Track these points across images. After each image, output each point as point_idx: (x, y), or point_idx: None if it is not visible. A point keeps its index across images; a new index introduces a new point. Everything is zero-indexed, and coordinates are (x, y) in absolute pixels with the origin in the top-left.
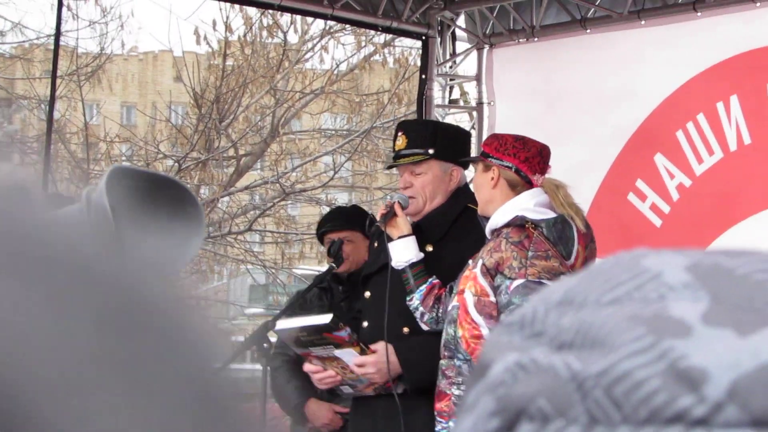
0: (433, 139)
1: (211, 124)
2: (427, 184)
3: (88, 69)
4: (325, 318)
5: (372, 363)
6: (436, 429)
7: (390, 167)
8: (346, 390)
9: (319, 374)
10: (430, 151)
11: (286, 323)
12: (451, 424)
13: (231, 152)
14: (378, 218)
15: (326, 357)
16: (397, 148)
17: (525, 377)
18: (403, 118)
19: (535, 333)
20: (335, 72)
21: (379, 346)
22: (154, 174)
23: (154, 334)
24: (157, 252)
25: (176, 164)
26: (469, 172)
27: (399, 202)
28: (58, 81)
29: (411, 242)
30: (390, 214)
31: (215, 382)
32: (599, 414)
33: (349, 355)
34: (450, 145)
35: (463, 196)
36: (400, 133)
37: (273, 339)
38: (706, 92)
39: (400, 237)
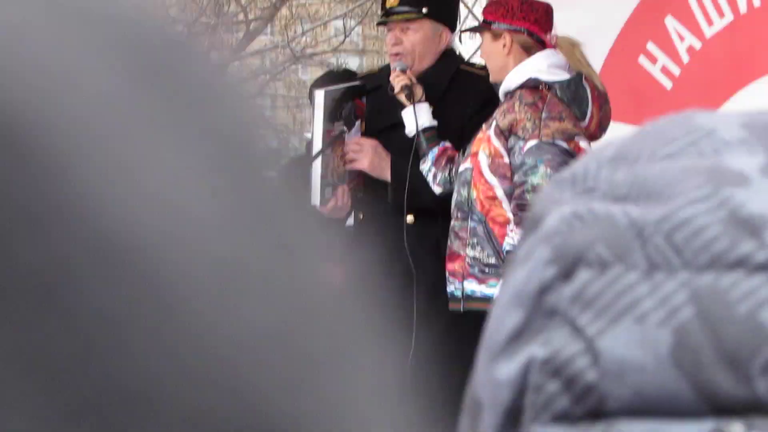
0: None
1: None
2: (417, 43)
3: None
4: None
5: (370, 145)
6: (448, 289)
7: (380, 24)
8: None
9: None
10: (424, 10)
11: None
12: (465, 284)
13: (240, 17)
14: (398, 89)
15: (338, 140)
16: (388, 6)
17: (582, 226)
18: None
19: (588, 188)
20: None
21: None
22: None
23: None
24: None
25: (185, 29)
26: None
27: (411, 69)
28: None
29: (426, 108)
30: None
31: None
32: (659, 260)
33: (356, 132)
34: (442, 5)
35: (452, 58)
36: None
37: None
38: None
39: (418, 102)
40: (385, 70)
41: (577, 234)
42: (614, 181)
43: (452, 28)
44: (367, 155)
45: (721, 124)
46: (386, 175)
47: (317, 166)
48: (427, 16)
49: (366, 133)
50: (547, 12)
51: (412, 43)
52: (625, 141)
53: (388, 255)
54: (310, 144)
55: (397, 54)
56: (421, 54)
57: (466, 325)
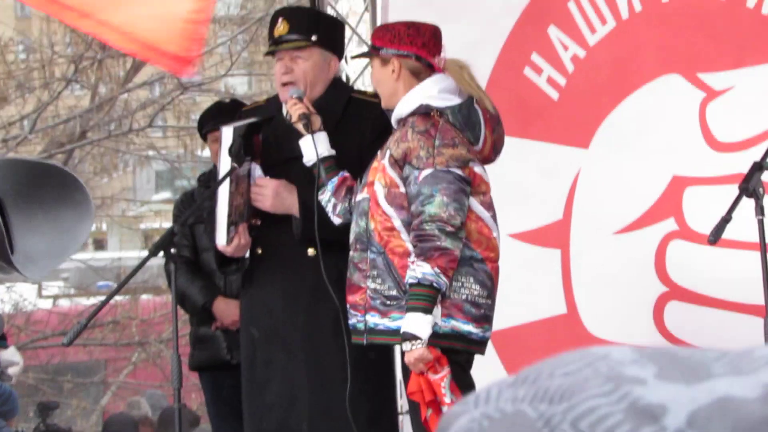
0: (315, 27)
1: None
2: (308, 71)
3: None
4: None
5: (273, 186)
6: (350, 321)
7: (269, 53)
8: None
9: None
10: (313, 38)
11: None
12: (367, 317)
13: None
14: (295, 118)
15: (237, 177)
16: (277, 34)
17: (491, 424)
18: (296, 4)
19: (492, 403)
20: None
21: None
22: (40, 163)
23: None
24: (46, 239)
25: (72, 64)
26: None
27: (306, 97)
28: None
29: (325, 137)
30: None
31: None
32: None
33: (256, 170)
34: (331, 34)
35: (342, 86)
36: (280, 19)
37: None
38: None
39: (316, 131)
40: (273, 101)
41: (487, 430)
42: (516, 396)
43: (340, 56)
44: (269, 197)
45: (615, 350)
46: (293, 211)
47: (223, 205)
48: (317, 44)
49: (264, 167)
50: (435, 35)
51: (303, 71)
52: (522, 371)
53: (291, 288)
54: (211, 180)
55: (287, 83)
56: (312, 82)
57: (370, 357)
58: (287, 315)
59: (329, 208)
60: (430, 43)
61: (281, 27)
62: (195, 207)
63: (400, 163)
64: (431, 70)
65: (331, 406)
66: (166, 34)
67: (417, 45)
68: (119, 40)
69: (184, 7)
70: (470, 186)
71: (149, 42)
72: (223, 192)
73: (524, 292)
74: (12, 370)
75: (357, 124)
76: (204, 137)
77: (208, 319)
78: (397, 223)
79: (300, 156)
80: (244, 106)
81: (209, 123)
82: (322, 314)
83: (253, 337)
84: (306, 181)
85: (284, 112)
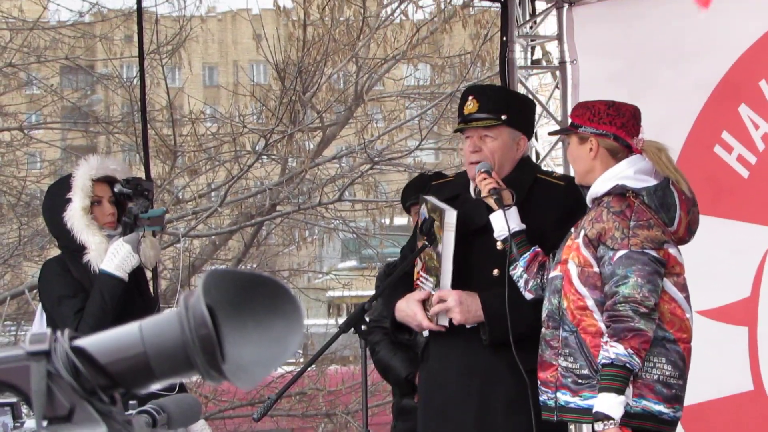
0: (505, 106)
1: (295, 96)
2: (496, 150)
3: (168, 47)
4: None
5: (456, 299)
6: (540, 398)
7: (458, 130)
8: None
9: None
10: (503, 117)
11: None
12: (558, 395)
13: (316, 122)
14: (485, 193)
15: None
16: (467, 112)
17: None
18: (487, 80)
19: None
20: (415, 37)
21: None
22: (251, 273)
23: None
24: (257, 349)
25: (262, 138)
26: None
27: (495, 172)
28: (137, 59)
29: (516, 211)
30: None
31: None
32: None
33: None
34: (520, 113)
35: (529, 166)
36: (470, 97)
37: (367, 319)
38: None
39: (507, 206)
40: (461, 177)
41: None
42: None
43: (529, 136)
44: (458, 312)
45: None
46: (480, 318)
47: (448, 261)
48: (506, 123)
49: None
50: (634, 116)
51: (491, 151)
52: None
53: (465, 368)
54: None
55: (476, 162)
56: (500, 162)
57: None
58: (460, 394)
59: (521, 284)
60: (629, 124)
61: (471, 105)
62: (388, 282)
63: (594, 243)
64: (629, 150)
65: None
66: None
67: (616, 125)
68: None
69: None
70: (664, 267)
71: None
72: (447, 258)
73: (710, 368)
74: None
75: (541, 206)
76: (407, 209)
77: (410, 390)
78: (590, 302)
79: (483, 230)
80: (435, 180)
81: (413, 196)
82: (498, 394)
83: (427, 412)
84: (487, 255)
85: (471, 188)
